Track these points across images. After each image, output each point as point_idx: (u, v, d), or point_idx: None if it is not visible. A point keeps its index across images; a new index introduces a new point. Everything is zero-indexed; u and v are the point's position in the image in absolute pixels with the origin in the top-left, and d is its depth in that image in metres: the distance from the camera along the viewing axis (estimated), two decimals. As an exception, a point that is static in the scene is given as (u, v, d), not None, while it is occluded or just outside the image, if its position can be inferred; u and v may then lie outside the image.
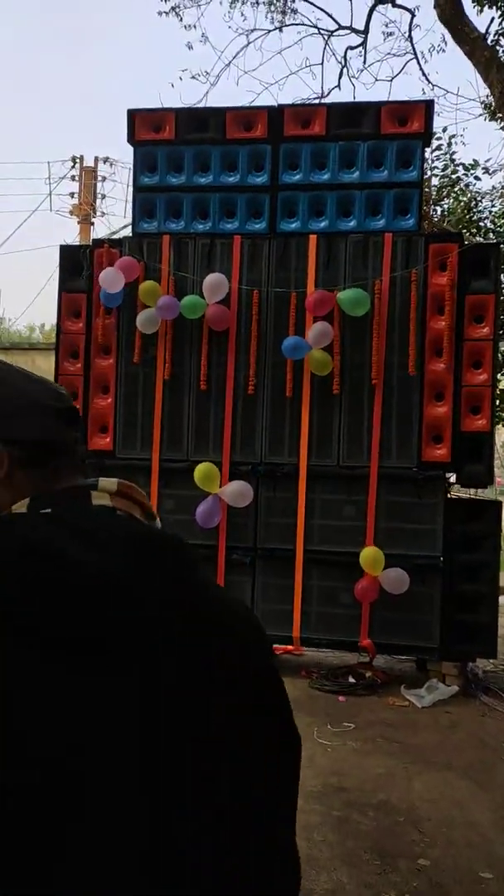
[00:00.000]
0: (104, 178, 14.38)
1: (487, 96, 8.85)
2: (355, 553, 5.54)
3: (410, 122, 5.77)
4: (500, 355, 8.70)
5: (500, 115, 6.31)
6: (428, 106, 5.78)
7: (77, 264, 6.08)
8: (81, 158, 14.28)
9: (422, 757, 4.39)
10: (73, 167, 14.17)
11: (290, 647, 6.09)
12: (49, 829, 0.65)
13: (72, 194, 14.32)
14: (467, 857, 3.25)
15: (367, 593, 5.55)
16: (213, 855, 0.74)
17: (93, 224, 14.25)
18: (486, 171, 10.40)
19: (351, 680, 5.74)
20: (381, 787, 3.93)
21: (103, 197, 14.48)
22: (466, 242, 5.91)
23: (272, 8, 9.35)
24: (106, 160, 14.38)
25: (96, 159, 14.34)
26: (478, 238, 10.53)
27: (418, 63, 9.48)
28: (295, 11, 9.40)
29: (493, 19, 6.73)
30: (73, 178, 14.27)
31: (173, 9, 9.30)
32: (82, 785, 0.67)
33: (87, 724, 0.69)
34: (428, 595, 5.62)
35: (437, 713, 5.20)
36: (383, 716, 5.11)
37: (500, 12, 8.27)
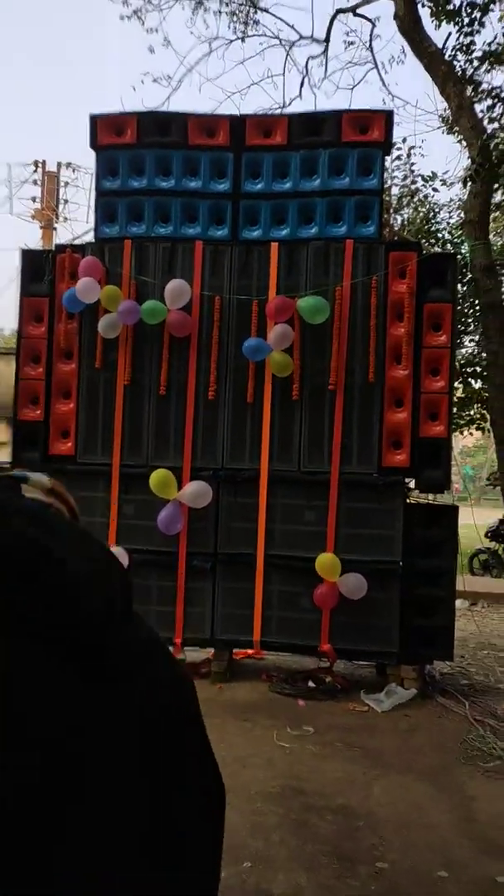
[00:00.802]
0: (66, 184, 14.31)
1: (445, 109, 9.03)
2: (316, 558, 5.57)
3: (371, 131, 5.84)
4: (456, 364, 8.84)
5: (457, 128, 6.44)
6: (388, 115, 5.86)
7: (39, 269, 6.03)
8: (44, 163, 14.18)
9: (381, 761, 4.42)
10: (34, 171, 14.08)
11: (250, 651, 6.10)
12: (49, 811, 0.64)
13: (33, 199, 14.20)
14: (425, 858, 3.29)
15: (326, 599, 5.58)
16: (212, 836, 0.75)
17: (55, 230, 14.17)
18: (444, 182, 10.59)
19: (311, 684, 5.76)
20: (340, 791, 3.95)
21: (66, 202, 14.38)
22: (424, 252, 5.99)
23: (234, 18, 9.40)
24: (69, 165, 14.30)
25: (59, 165, 14.26)
26: (436, 248, 10.71)
27: (378, 73, 9.62)
28: (257, 23, 9.45)
29: (450, 34, 6.85)
30: (35, 182, 14.17)
31: (135, 13, 9.28)
32: (82, 767, 0.67)
33: (88, 706, 0.69)
34: (387, 600, 5.66)
35: (396, 717, 5.25)
36: (343, 720, 5.14)
37: (457, 27, 8.45)
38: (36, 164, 14.16)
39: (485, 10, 7.82)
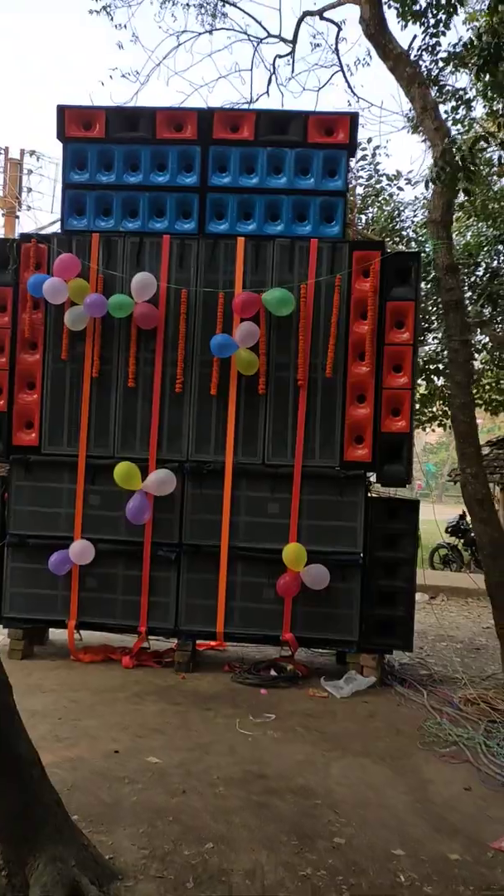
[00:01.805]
0: (30, 172, 14.20)
1: (410, 110, 9.16)
2: (279, 549, 5.67)
3: (336, 133, 5.94)
4: (419, 360, 8.99)
5: (422, 129, 6.57)
6: (353, 118, 5.96)
7: (3, 258, 6.02)
8: (7, 150, 14.06)
9: (340, 744, 4.54)
10: (-4, 157, 13.91)
11: (213, 643, 6.19)
12: None
13: (-7, 186, 14.06)
14: (381, 836, 3.40)
15: (289, 588, 5.69)
16: None
17: (18, 217, 14.05)
18: (409, 181, 10.74)
19: (273, 673, 5.87)
20: (299, 773, 4.05)
21: (29, 191, 14.26)
22: (389, 251, 6.11)
23: (202, 10, 9.42)
24: (33, 153, 14.18)
25: (22, 152, 14.14)
26: (400, 246, 10.88)
27: (344, 75, 9.72)
28: (225, 16, 9.49)
29: (415, 36, 6.96)
30: (-1, 169, 14.03)
31: (104, 8, 9.25)
32: None
33: None
34: (348, 590, 5.79)
35: (356, 703, 5.38)
36: (303, 706, 5.25)
37: (423, 28, 8.58)
38: (-1, 151, 14.05)
39: (449, 12, 7.97)
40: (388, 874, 3.06)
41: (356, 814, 3.61)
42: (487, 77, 5.64)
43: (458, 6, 7.92)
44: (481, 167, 7.70)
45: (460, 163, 5.06)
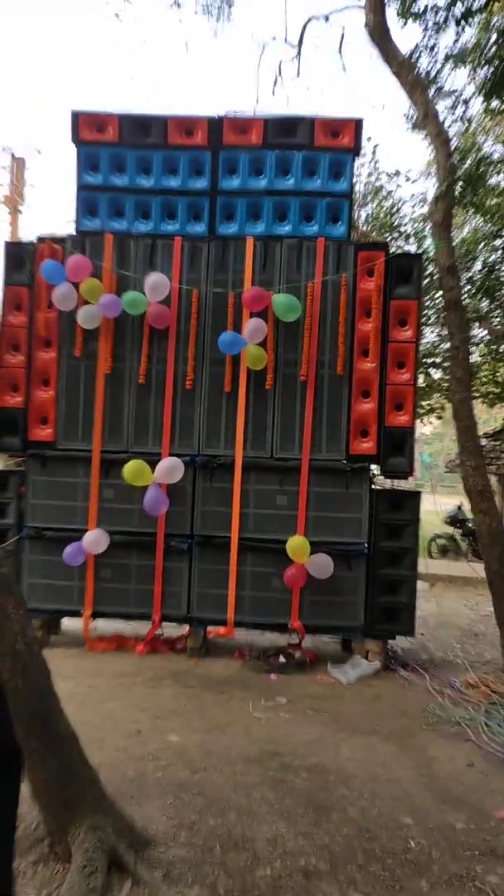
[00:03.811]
0: (29, 169, 14.33)
1: (410, 108, 9.35)
2: (287, 540, 5.89)
3: (341, 137, 6.14)
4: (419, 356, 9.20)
5: (424, 132, 6.75)
6: (357, 123, 6.15)
7: (20, 259, 6.20)
8: (12, 151, 14.20)
9: (348, 724, 4.78)
10: (1, 153, 14.06)
11: (222, 629, 6.41)
12: None
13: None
14: (391, 807, 3.64)
15: (296, 579, 5.91)
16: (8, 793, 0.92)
17: (20, 212, 14.20)
18: (408, 179, 10.92)
19: (282, 660, 6.10)
20: (312, 752, 4.29)
21: (31, 187, 14.41)
22: (392, 251, 6.31)
23: (208, 13, 9.57)
24: (38, 151, 14.32)
25: (20, 151, 14.29)
26: (399, 241, 11.08)
27: (347, 78, 9.89)
28: (230, 18, 9.64)
29: (417, 46, 7.13)
30: (2, 167, 14.20)
31: (116, 14, 9.40)
32: None
33: None
34: (353, 579, 6.02)
35: (362, 687, 5.62)
36: (312, 690, 5.49)
37: (422, 27, 8.75)
38: (3, 149, 14.22)
39: (460, 21, 8.14)
40: (399, 840, 3.30)
41: (367, 788, 3.85)
42: (495, 101, 5.86)
43: (453, 6, 8.10)
44: (487, 182, 7.90)
45: (467, 181, 5.26)
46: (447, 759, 4.30)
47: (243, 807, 3.56)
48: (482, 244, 10.86)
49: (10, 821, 0.99)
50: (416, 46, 6.87)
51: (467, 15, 5.60)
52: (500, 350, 12.54)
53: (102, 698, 5.04)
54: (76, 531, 6.10)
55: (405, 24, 9.19)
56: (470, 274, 10.92)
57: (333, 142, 6.10)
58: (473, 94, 9.10)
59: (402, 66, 6.18)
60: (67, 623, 6.80)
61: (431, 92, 7.78)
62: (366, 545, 6.03)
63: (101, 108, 6.14)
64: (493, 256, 11.03)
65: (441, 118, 6.69)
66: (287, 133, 6.15)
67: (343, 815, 3.53)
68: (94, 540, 6.03)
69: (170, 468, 5.94)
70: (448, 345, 6.67)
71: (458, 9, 5.71)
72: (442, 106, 8.50)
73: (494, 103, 8.30)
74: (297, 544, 5.88)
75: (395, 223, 11.29)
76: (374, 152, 10.98)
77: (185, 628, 6.35)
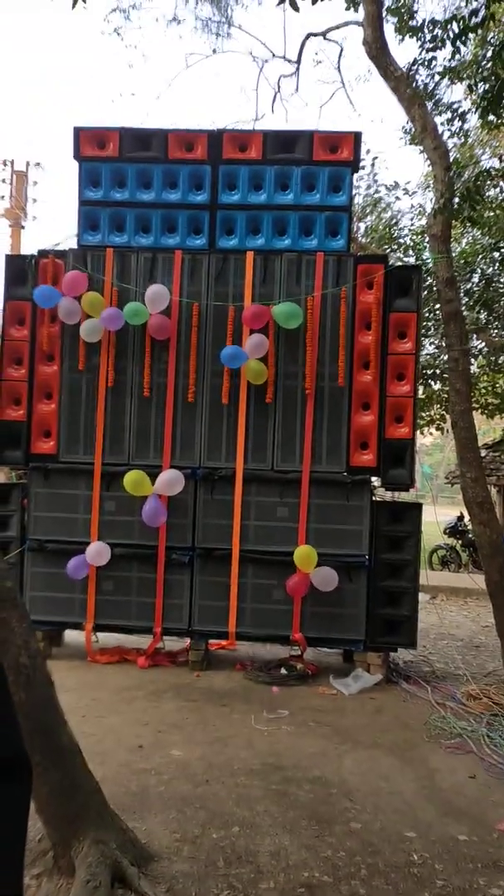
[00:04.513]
0: (35, 183, 14.45)
1: (408, 122, 9.43)
2: (288, 552, 5.91)
3: (340, 151, 6.19)
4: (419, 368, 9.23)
5: (421, 147, 6.81)
6: (356, 137, 6.20)
7: (22, 273, 6.24)
8: (13, 163, 14.32)
9: (351, 737, 4.78)
10: (3, 168, 14.19)
11: (224, 642, 6.42)
12: None
13: (1, 197, 14.35)
14: (394, 820, 3.64)
15: (298, 588, 5.91)
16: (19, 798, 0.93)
17: (23, 227, 14.29)
18: (406, 192, 11.00)
19: (283, 672, 6.10)
20: (314, 765, 4.29)
21: (34, 201, 14.51)
22: (391, 263, 6.36)
23: (207, 29, 9.68)
24: (38, 165, 14.45)
25: (27, 164, 14.40)
26: (398, 253, 11.15)
27: (346, 92, 10.01)
28: (229, 35, 9.75)
29: (415, 60, 7.21)
30: (3, 181, 14.32)
31: (115, 30, 9.51)
32: None
33: None
34: (355, 591, 6.03)
35: (363, 699, 5.62)
36: (314, 703, 5.48)
37: (419, 43, 8.83)
38: (4, 162, 14.33)
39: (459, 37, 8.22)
40: (401, 854, 3.30)
41: (369, 801, 3.84)
42: (491, 117, 5.93)
43: (450, 24, 8.18)
44: (485, 196, 7.98)
45: (465, 195, 5.31)
46: (449, 772, 4.30)
47: (246, 820, 3.56)
48: (480, 256, 10.93)
49: (22, 826, 0.99)
50: (414, 61, 6.93)
51: (464, 32, 5.65)
52: (500, 361, 12.60)
53: (105, 712, 5.04)
54: (78, 544, 6.11)
55: (402, 39, 9.29)
56: (469, 286, 10.98)
57: (332, 156, 6.15)
58: (470, 108, 9.24)
59: (399, 81, 6.24)
60: (69, 635, 6.80)
61: (429, 106, 7.87)
62: (367, 557, 6.03)
63: (102, 115, 6.16)
64: (491, 268, 11.10)
65: (439, 131, 6.77)
66: (286, 147, 6.20)
67: (346, 828, 3.52)
68: (96, 552, 6.05)
69: (170, 480, 5.95)
70: (447, 356, 6.69)
71: (455, 27, 5.76)
72: (440, 119, 8.60)
73: (491, 118, 8.40)
74: (304, 553, 5.87)
75: (395, 235, 11.37)
76: (373, 165, 11.04)
77: (187, 641, 6.35)
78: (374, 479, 6.21)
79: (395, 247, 11.31)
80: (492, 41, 7.85)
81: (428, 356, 12.22)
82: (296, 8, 4.49)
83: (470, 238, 11.41)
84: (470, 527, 12.14)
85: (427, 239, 7.43)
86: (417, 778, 4.19)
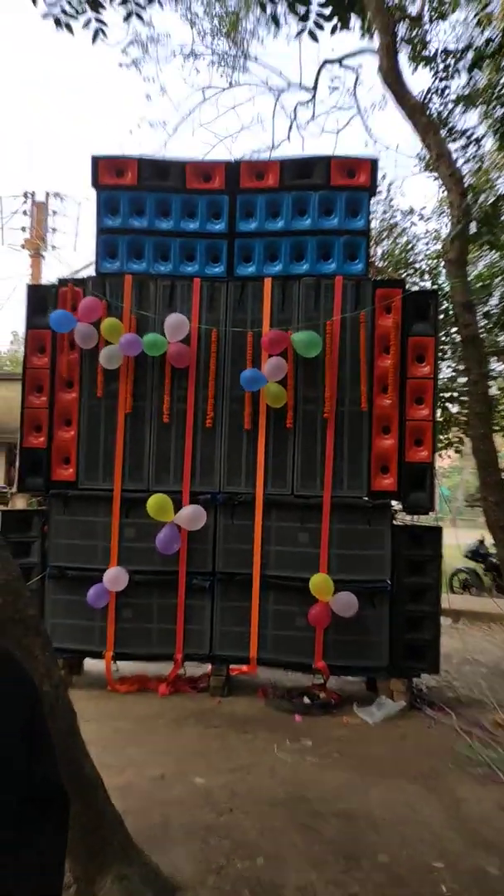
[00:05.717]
0: (55, 213, 14.69)
1: (422, 149, 9.51)
2: (309, 578, 5.86)
3: (358, 176, 6.22)
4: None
5: (437, 174, 6.86)
6: (373, 162, 6.24)
7: (42, 302, 6.31)
8: (33, 194, 14.58)
9: (376, 767, 4.69)
10: (24, 202, 14.45)
11: (244, 667, 6.35)
12: None
13: (23, 228, 14.56)
14: (421, 851, 3.56)
15: (321, 619, 5.86)
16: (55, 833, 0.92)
17: (43, 257, 14.50)
18: (422, 217, 11.05)
19: (306, 700, 6.02)
20: (340, 797, 4.21)
21: (54, 230, 14.74)
22: (408, 288, 6.37)
23: (223, 63, 9.83)
24: (57, 195, 14.70)
25: (47, 195, 14.66)
26: (414, 278, 11.17)
27: (362, 119, 10.13)
28: (246, 69, 9.90)
29: (428, 89, 7.29)
30: (24, 212, 14.55)
31: (133, 62, 9.69)
32: None
33: None
34: (377, 617, 5.96)
35: (388, 728, 5.53)
36: (338, 733, 5.40)
37: (432, 72, 8.93)
38: (25, 195, 14.58)
39: (459, 58, 8.28)
40: (430, 885, 3.23)
41: (396, 832, 3.77)
42: None
43: (465, 53, 8.26)
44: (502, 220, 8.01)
45: (484, 219, 5.34)
46: (476, 801, 4.21)
47: (271, 852, 3.50)
48: (498, 279, 10.93)
49: (61, 865, 0.97)
50: (428, 90, 7.00)
51: (478, 60, 5.71)
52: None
53: (126, 741, 4.99)
54: (98, 571, 6.10)
55: (416, 68, 9.39)
56: (487, 308, 10.97)
57: (350, 181, 6.19)
58: (486, 133, 9.31)
59: (414, 110, 6.29)
60: (89, 663, 6.77)
61: (444, 133, 7.94)
62: (388, 582, 5.98)
63: (106, 125, 6.24)
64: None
65: (454, 157, 6.83)
66: (303, 173, 6.25)
67: (373, 862, 3.45)
68: (114, 577, 6.03)
69: (192, 516, 5.95)
70: (465, 379, 6.67)
71: (469, 57, 5.83)
72: (454, 146, 8.67)
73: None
74: (319, 582, 5.83)
75: (411, 260, 11.41)
76: (388, 190, 11.11)
77: (208, 667, 6.30)
78: (394, 503, 6.16)
79: (412, 271, 11.34)
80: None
81: (445, 379, 12.19)
82: (315, 38, 4.55)
83: (488, 260, 11.41)
84: (492, 550, 11.94)
85: (443, 264, 7.46)
86: (444, 808, 4.11)
